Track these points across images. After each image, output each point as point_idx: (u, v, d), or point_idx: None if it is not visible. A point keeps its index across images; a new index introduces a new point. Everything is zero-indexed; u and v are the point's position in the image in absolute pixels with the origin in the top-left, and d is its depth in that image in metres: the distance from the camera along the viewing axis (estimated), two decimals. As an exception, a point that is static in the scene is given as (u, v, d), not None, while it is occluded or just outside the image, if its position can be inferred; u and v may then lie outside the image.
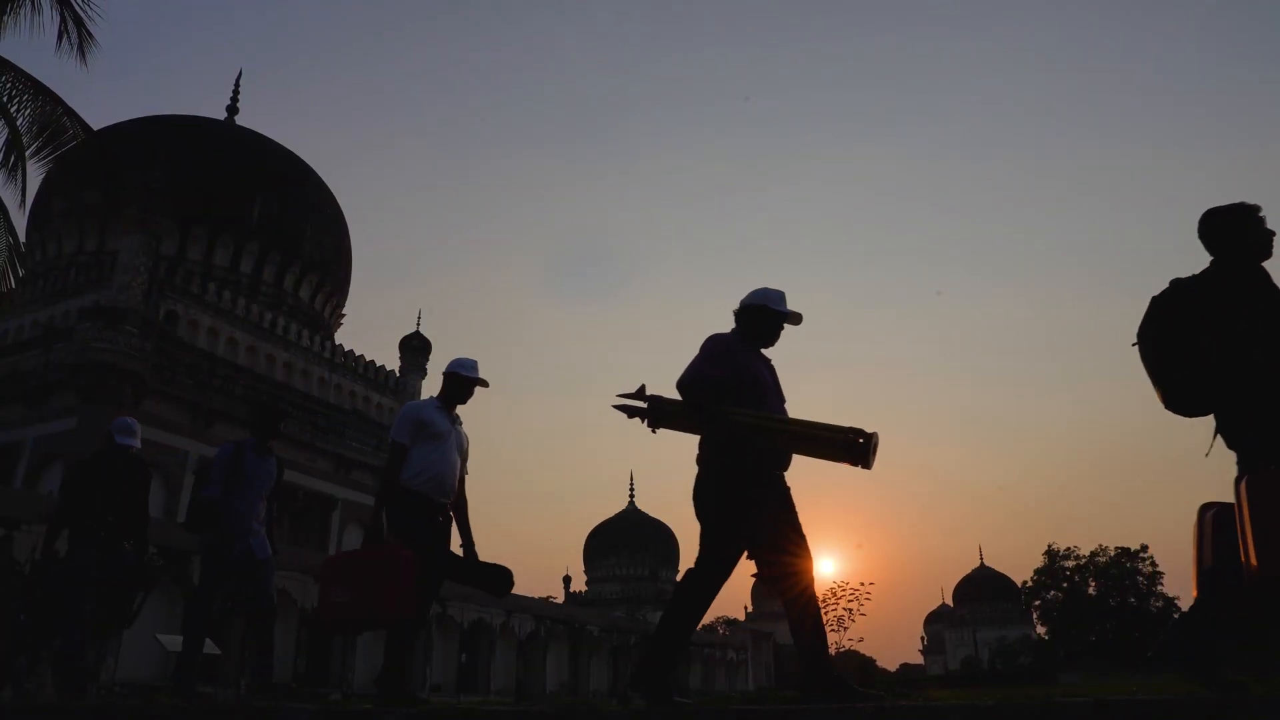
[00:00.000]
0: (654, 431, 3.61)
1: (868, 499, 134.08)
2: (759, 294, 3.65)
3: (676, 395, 3.49)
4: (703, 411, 3.34)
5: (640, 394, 3.62)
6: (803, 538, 3.38)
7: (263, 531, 5.08)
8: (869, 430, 3.22)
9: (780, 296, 3.65)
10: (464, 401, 4.57)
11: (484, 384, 4.58)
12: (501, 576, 4.33)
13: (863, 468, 3.23)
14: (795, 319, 3.66)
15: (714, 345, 3.52)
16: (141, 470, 5.69)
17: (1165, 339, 3.06)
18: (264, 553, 5.00)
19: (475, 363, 4.57)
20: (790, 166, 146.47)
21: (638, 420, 3.63)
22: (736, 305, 3.67)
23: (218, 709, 3.91)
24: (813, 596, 3.29)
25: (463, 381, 4.54)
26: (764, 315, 3.62)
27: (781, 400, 3.60)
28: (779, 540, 3.32)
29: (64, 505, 5.33)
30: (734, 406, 3.32)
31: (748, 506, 3.27)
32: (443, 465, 4.31)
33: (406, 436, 4.27)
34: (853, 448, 3.19)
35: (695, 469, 3.44)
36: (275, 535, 5.25)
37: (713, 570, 3.30)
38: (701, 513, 3.37)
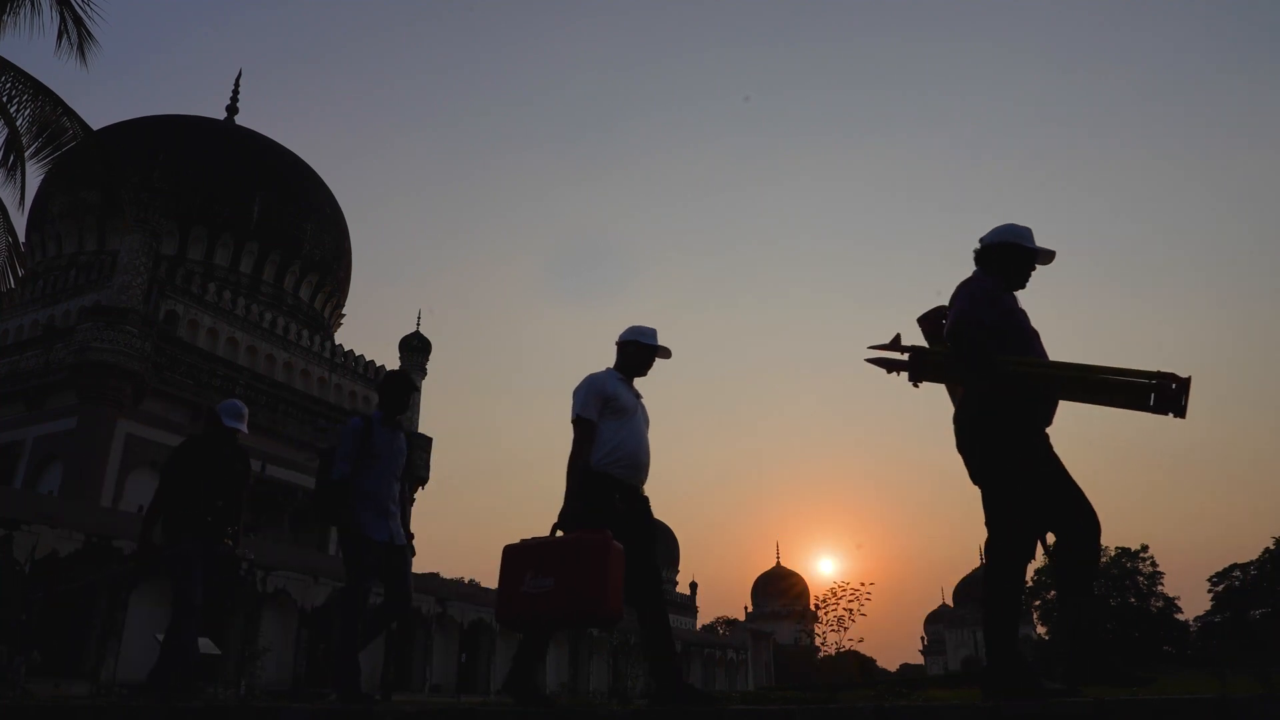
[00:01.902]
0: (916, 385, 3.27)
1: (868, 499, 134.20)
2: (1007, 230, 3.32)
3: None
4: (978, 359, 3.02)
5: (896, 344, 3.27)
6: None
7: (398, 514, 4.63)
8: (1182, 375, 2.89)
9: (1029, 232, 3.32)
10: (643, 373, 4.10)
11: (665, 353, 4.09)
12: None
13: (1175, 416, 2.91)
14: (1047, 257, 3.33)
15: (978, 288, 3.21)
16: (244, 459, 5.30)
17: None
18: (402, 538, 4.57)
19: (655, 330, 4.10)
20: (790, 166, 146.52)
21: (895, 374, 3.24)
22: (978, 244, 3.34)
23: (218, 709, 3.80)
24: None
25: (642, 351, 4.04)
26: (1015, 254, 3.29)
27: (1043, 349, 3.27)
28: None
29: (165, 491, 4.92)
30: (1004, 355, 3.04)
31: (1036, 459, 3.00)
32: (635, 443, 3.87)
33: (595, 412, 3.81)
34: (1164, 394, 2.88)
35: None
36: (408, 518, 4.82)
37: (1015, 534, 3.00)
38: (981, 472, 3.08)
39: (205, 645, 14.16)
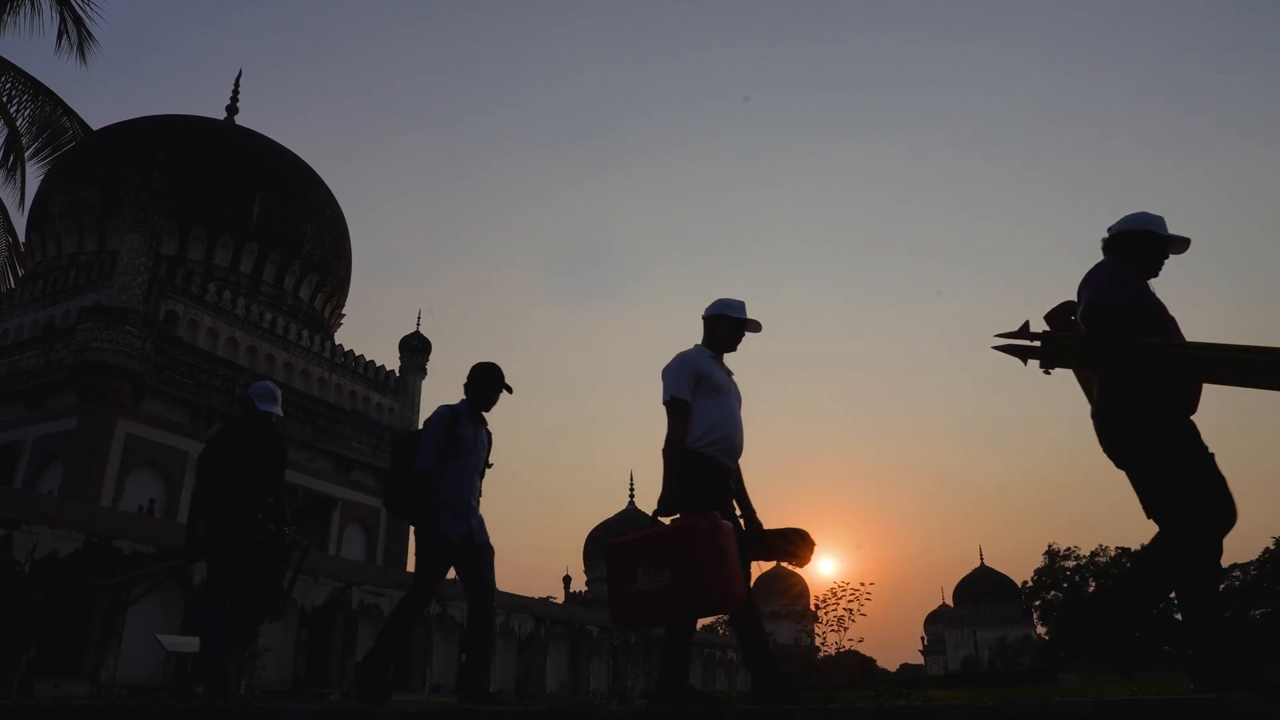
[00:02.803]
0: (1047, 372, 3.12)
1: (868, 499, 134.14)
2: (1138, 218, 3.24)
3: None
4: (1117, 341, 2.90)
5: (1025, 331, 3.11)
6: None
7: (478, 510, 4.37)
8: None
9: (1162, 220, 3.23)
10: (733, 348, 3.88)
11: (756, 327, 3.87)
12: (801, 537, 3.71)
13: None
14: (1181, 245, 3.22)
15: (1110, 271, 3.11)
16: (281, 443, 5.09)
17: None
18: (484, 535, 4.30)
19: (743, 303, 3.87)
20: (790, 166, 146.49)
21: (1020, 361, 3.11)
22: (1107, 233, 3.27)
23: (218, 709, 3.78)
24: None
25: (732, 325, 3.82)
26: (1147, 241, 3.20)
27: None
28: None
29: (206, 485, 4.72)
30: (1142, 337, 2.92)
31: (1188, 444, 2.86)
32: (731, 423, 3.69)
33: (688, 392, 3.62)
34: None
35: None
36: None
37: (1197, 515, 2.84)
38: (1134, 463, 2.97)
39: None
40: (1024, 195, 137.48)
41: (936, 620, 75.50)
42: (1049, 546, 56.15)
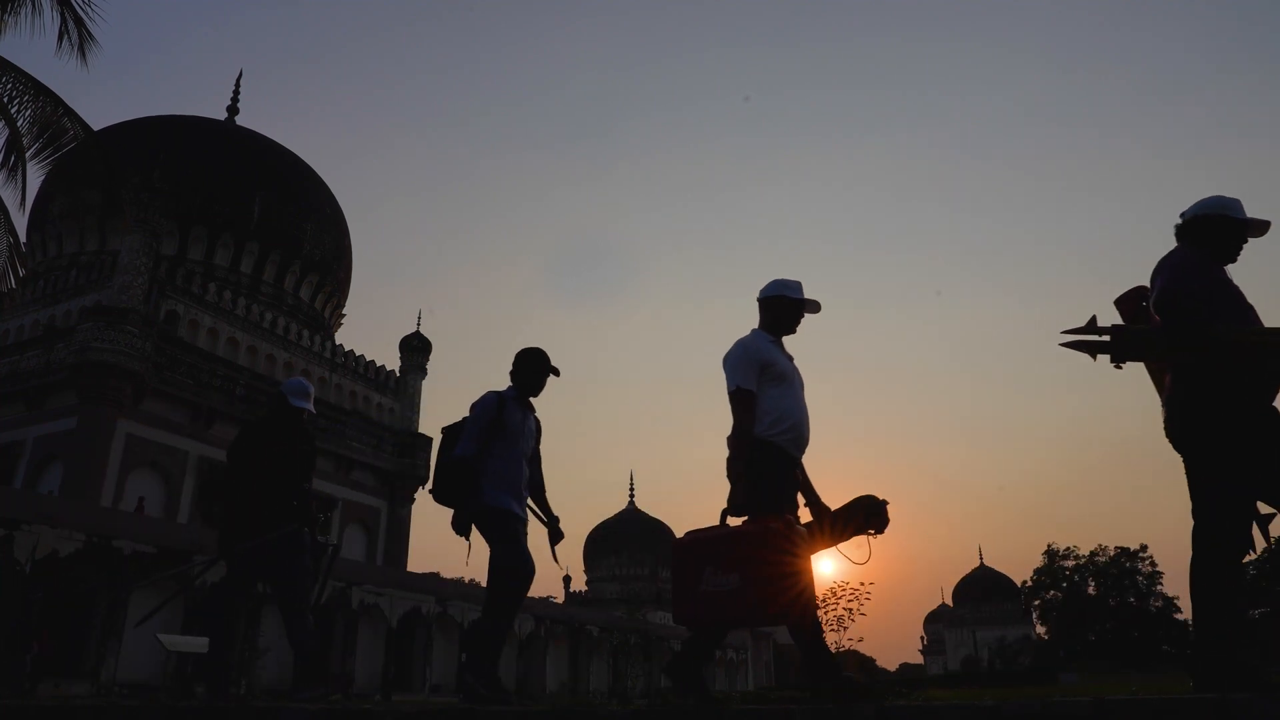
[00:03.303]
0: (1119, 367, 3.00)
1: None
2: (1213, 202, 3.16)
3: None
4: (1192, 328, 2.80)
5: (1093, 326, 2.99)
6: None
7: (528, 499, 4.24)
8: None
9: (1238, 203, 3.14)
10: (793, 330, 3.70)
11: (815, 307, 3.70)
12: (870, 502, 3.53)
13: None
14: (1261, 228, 3.11)
15: (1181, 259, 3.02)
16: (310, 440, 4.95)
17: None
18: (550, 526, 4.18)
19: (800, 283, 3.69)
20: (790, 166, 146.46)
21: (1087, 356, 3.00)
22: (1180, 220, 3.17)
23: (218, 709, 3.78)
24: None
25: (790, 306, 3.65)
26: (1223, 226, 3.11)
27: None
28: None
29: (237, 482, 4.60)
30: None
31: (1267, 437, 2.73)
32: (799, 412, 3.50)
33: (754, 381, 3.45)
34: None
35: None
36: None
37: (1227, 520, 2.78)
38: (1196, 455, 2.89)
39: (205, 645, 14.16)
40: (1024, 195, 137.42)
41: (936, 620, 75.56)
42: (1048, 546, 56.28)
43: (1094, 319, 3.01)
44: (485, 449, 4.03)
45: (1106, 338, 2.99)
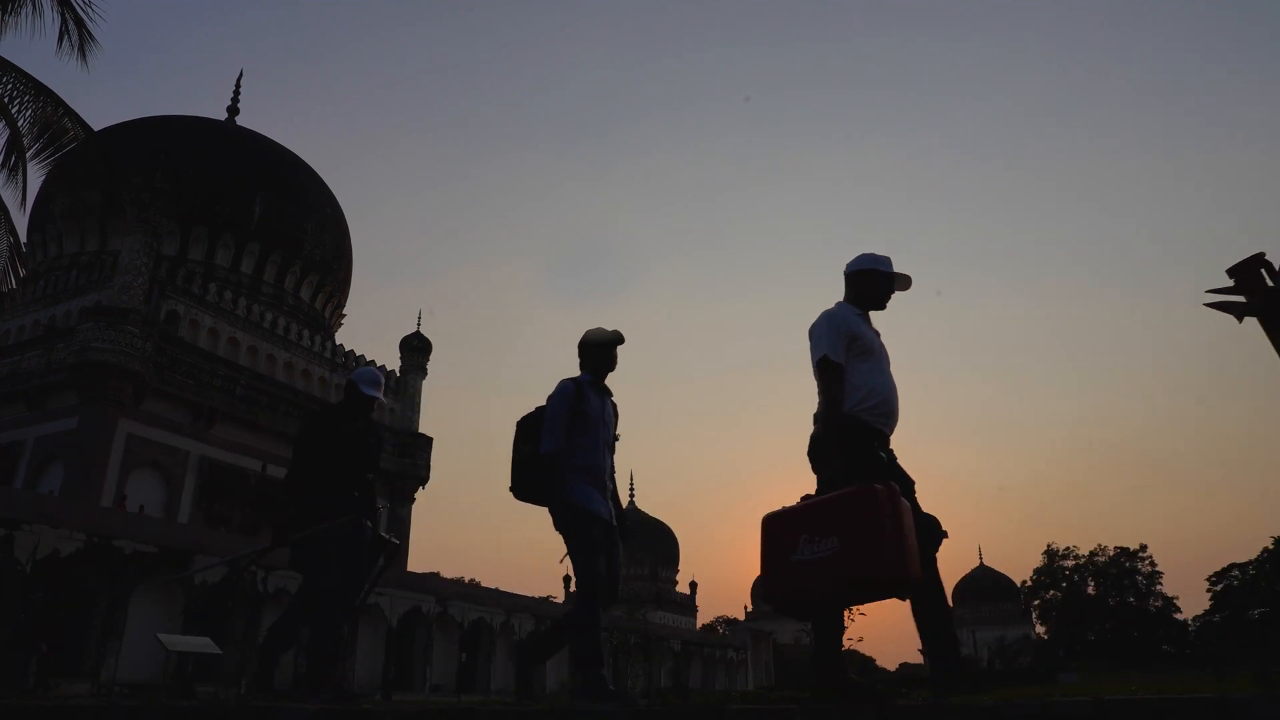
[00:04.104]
0: (1273, 332, 2.79)
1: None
2: None
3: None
4: None
5: (1250, 278, 2.81)
6: None
7: (612, 489, 3.98)
8: None
9: None
10: (882, 306, 3.52)
11: (905, 283, 3.51)
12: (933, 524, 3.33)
13: None
14: None
15: None
16: (375, 432, 4.88)
17: None
18: (620, 517, 3.95)
19: (890, 258, 3.51)
20: (790, 166, 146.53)
21: (1234, 318, 2.84)
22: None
23: (218, 709, 3.77)
24: None
25: (880, 280, 3.47)
26: None
27: None
28: None
29: (303, 469, 4.47)
30: None
31: None
32: (889, 387, 3.33)
33: (841, 352, 3.26)
34: None
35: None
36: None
37: None
38: None
39: (205, 644, 14.17)
40: (1024, 195, 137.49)
41: (936, 620, 75.50)
42: (1048, 546, 56.29)
43: (1254, 263, 2.84)
44: (569, 441, 3.83)
45: (1268, 296, 2.83)
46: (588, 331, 4.08)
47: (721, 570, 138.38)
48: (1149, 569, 53.27)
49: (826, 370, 3.24)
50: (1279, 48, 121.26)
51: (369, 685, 20.25)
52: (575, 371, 4.11)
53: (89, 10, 10.69)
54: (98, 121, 13.10)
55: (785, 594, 2.88)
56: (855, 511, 2.73)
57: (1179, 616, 51.91)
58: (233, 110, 36.60)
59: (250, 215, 30.94)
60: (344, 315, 37.00)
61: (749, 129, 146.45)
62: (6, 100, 10.38)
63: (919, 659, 76.63)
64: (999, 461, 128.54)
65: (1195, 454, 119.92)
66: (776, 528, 2.93)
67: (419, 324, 36.85)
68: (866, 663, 57.23)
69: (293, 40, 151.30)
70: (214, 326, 27.57)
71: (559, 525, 3.86)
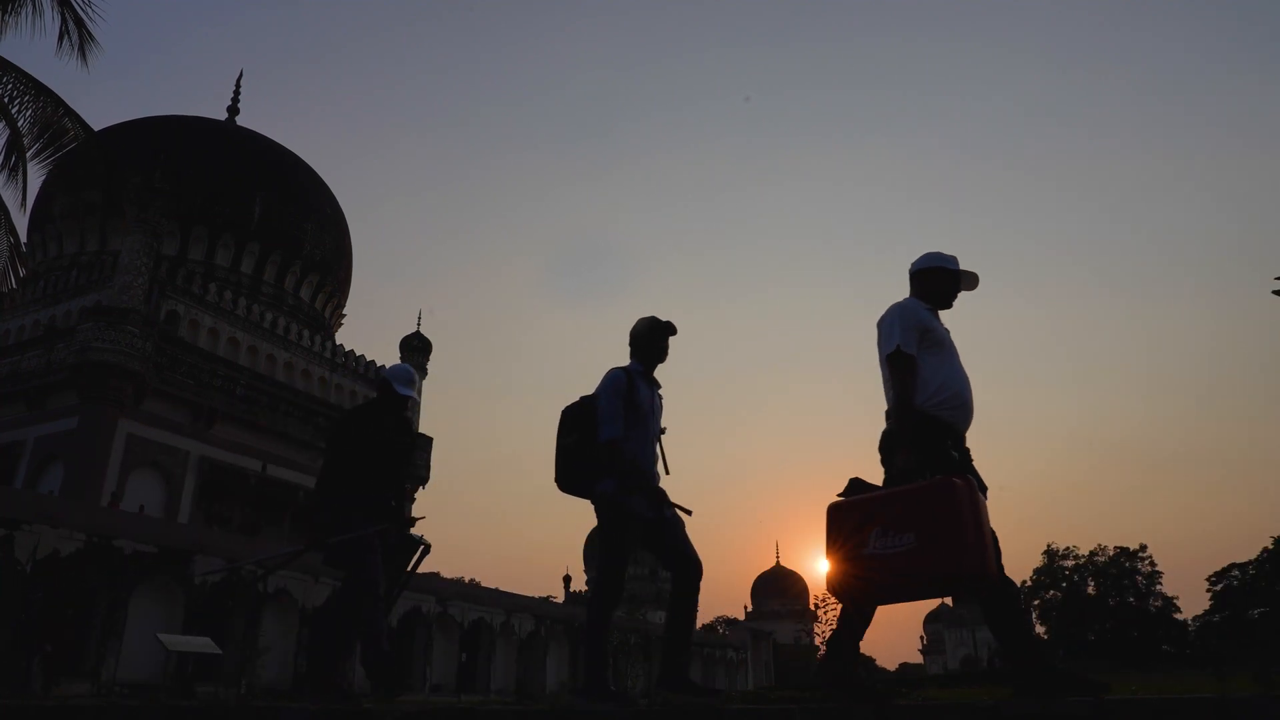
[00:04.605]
0: None
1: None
2: None
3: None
4: None
5: None
6: None
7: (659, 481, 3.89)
8: None
9: None
10: (949, 304, 3.45)
11: (972, 283, 3.45)
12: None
13: None
14: None
15: None
16: (408, 431, 4.91)
17: None
18: (670, 507, 3.79)
19: (956, 257, 3.44)
20: (790, 166, 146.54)
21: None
22: None
23: (218, 709, 3.76)
24: None
25: (947, 278, 3.41)
26: None
27: None
28: None
29: (336, 467, 4.41)
30: None
31: None
32: (961, 381, 3.22)
33: (914, 344, 3.18)
34: None
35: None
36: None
37: None
38: None
39: (205, 645, 14.17)
40: (1024, 195, 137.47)
41: (936, 620, 75.51)
42: (1048, 546, 56.26)
43: None
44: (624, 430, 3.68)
45: None
46: (639, 320, 3.97)
47: (722, 570, 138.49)
48: (1149, 569, 53.27)
49: (899, 363, 3.17)
50: (1279, 48, 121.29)
51: (369, 685, 20.24)
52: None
53: (89, 10, 10.70)
54: (98, 121, 13.10)
55: (857, 586, 2.82)
56: (933, 506, 2.68)
57: (1179, 616, 51.89)
58: (233, 110, 36.59)
59: (250, 215, 30.93)
60: (344, 315, 37.01)
61: (749, 129, 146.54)
62: (7, 100, 10.39)
63: (919, 659, 76.61)
64: (999, 461, 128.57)
65: (1195, 454, 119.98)
66: (844, 518, 2.87)
67: (419, 324, 36.88)
68: (867, 662, 57.28)
69: (293, 40, 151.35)
70: (214, 326, 27.56)
71: (599, 518, 3.76)
